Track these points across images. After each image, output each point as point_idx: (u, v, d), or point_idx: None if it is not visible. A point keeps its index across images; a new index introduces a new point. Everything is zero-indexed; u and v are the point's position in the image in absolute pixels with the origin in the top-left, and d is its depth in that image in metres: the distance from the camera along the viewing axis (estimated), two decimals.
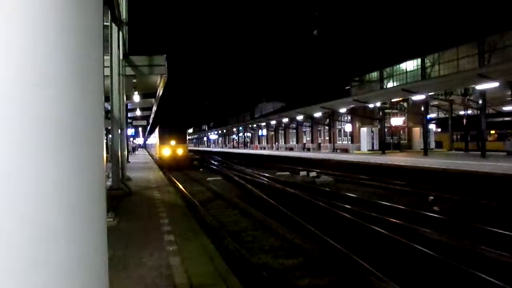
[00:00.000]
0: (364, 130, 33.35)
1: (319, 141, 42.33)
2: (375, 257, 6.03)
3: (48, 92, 0.78)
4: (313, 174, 19.03)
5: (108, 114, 12.59)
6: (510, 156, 21.21)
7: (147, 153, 51.61)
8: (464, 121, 30.16)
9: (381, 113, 30.76)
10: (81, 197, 0.85)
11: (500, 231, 7.06)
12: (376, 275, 5.04)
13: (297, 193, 12.81)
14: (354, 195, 12.27)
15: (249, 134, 67.51)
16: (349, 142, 36.19)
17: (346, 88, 46.13)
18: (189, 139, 36.55)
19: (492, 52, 29.54)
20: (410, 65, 38.07)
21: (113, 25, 10.88)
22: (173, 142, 27.71)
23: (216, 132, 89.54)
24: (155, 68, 13.51)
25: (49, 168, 0.78)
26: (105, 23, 10.37)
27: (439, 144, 33.42)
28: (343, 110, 34.35)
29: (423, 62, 36.21)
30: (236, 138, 73.05)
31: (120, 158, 11.28)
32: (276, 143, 54.18)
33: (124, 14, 12.97)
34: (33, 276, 0.76)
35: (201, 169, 26.56)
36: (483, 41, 30.30)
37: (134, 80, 14.40)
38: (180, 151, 27.83)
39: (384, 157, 23.61)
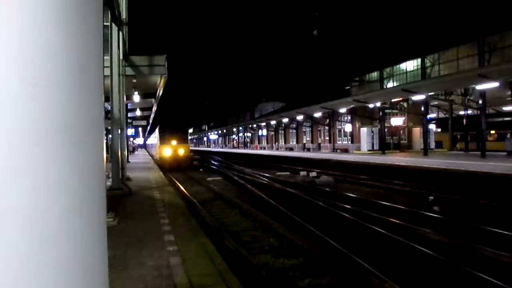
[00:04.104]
0: (364, 130, 33.34)
1: (319, 141, 42.32)
2: (375, 257, 6.03)
3: (48, 92, 0.78)
4: (313, 174, 19.05)
5: (108, 114, 12.58)
6: (510, 156, 21.20)
7: (147, 153, 51.59)
8: (464, 121, 30.16)
9: (381, 113, 30.76)
10: (81, 197, 0.85)
11: (500, 231, 7.06)
12: (376, 275, 5.04)
13: (297, 193, 12.81)
14: (354, 195, 12.27)
15: (249, 134, 67.50)
16: (349, 142, 36.18)
17: (346, 88, 46.16)
18: (189, 139, 36.31)
19: (492, 52, 29.55)
20: (410, 65, 38.08)
21: (113, 25, 10.88)
22: (174, 142, 27.06)
23: (216, 132, 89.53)
24: (155, 68, 13.50)
25: (49, 168, 0.78)
26: (105, 23, 10.36)
27: (439, 144, 33.44)
28: (343, 110, 34.35)
29: (423, 62, 36.22)
30: (236, 138, 73.05)
31: (120, 158, 11.27)
32: (276, 143, 54.17)
33: (124, 14, 12.97)
34: (33, 276, 0.76)
35: (201, 169, 26.53)
36: (483, 41, 30.31)
37: (134, 80, 14.40)
38: (181, 151, 27.21)
39: (384, 157, 23.60)
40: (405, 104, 33.28)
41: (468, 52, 31.66)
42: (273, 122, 50.62)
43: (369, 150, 32.26)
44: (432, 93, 26.25)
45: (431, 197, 11.46)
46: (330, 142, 39.19)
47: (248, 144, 66.51)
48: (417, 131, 33.73)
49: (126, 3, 13.57)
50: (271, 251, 6.65)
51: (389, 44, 47.25)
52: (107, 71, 10.59)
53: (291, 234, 7.45)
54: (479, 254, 5.99)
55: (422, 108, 26.75)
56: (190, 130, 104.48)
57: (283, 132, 51.92)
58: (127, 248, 5.10)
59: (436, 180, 14.26)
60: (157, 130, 31.40)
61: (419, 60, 36.68)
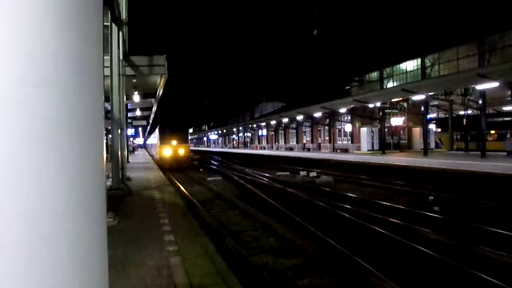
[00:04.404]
0: (364, 130, 33.35)
1: (319, 141, 42.34)
2: (375, 257, 6.03)
3: (48, 92, 0.78)
4: (313, 174, 19.04)
5: (108, 114, 12.58)
6: (510, 156, 21.20)
7: (147, 153, 51.59)
8: (464, 121, 30.17)
9: (381, 113, 30.76)
10: (81, 197, 0.85)
11: (500, 231, 7.06)
12: (376, 275, 5.04)
13: (297, 193, 12.80)
14: (354, 195, 12.27)
15: (249, 134, 67.52)
16: (349, 142, 36.19)
17: (346, 88, 46.17)
18: (189, 139, 36.22)
19: (492, 52, 29.56)
20: (410, 65, 38.09)
21: (113, 25, 10.87)
22: (174, 142, 26.84)
23: (216, 132, 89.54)
24: (155, 68, 13.50)
25: (49, 168, 0.78)
26: (105, 23, 10.36)
27: (439, 144, 33.48)
28: (343, 110, 34.36)
29: (423, 62, 36.23)
30: (236, 138, 73.06)
31: (120, 158, 11.27)
32: (276, 143, 54.19)
33: (124, 14, 12.96)
34: (33, 276, 0.76)
35: (201, 169, 26.49)
36: (483, 41, 30.32)
37: (134, 80, 14.39)
38: (182, 151, 26.99)
39: (384, 157, 23.60)
40: (405, 104, 33.30)
41: (468, 52, 31.66)
42: (273, 122, 50.63)
43: (369, 150, 32.26)
44: (432, 93, 26.26)
45: (431, 197, 11.45)
46: (330, 142, 39.19)
47: (248, 144, 66.52)
48: (417, 131, 33.73)
49: (126, 3, 13.56)
50: (271, 251, 6.65)
51: (389, 44, 47.24)
52: (107, 71, 10.58)
53: (291, 234, 7.45)
54: (479, 254, 5.99)
55: (422, 108, 26.76)
56: (190, 130, 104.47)
57: (283, 132, 51.94)
58: (127, 248, 5.10)
59: (436, 180, 14.25)
60: (157, 130, 31.27)
61: (419, 60, 36.69)
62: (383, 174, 17.30)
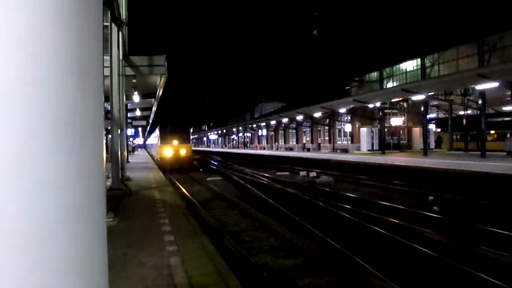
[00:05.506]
0: (364, 130, 33.34)
1: (319, 141, 42.31)
2: (375, 257, 6.03)
3: (48, 92, 0.78)
4: (313, 174, 19.06)
5: (108, 114, 12.58)
6: (510, 156, 21.20)
7: (147, 153, 51.58)
8: (464, 121, 30.18)
9: (381, 113, 30.76)
10: (81, 197, 0.85)
11: (500, 231, 7.06)
12: (376, 275, 5.04)
13: (296, 193, 12.81)
14: (354, 195, 12.27)
15: (249, 134, 67.50)
16: (349, 142, 36.18)
17: (346, 88, 46.21)
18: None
19: (492, 52, 29.58)
20: (410, 65, 38.12)
21: (113, 25, 10.88)
22: (175, 142, 26.45)
23: (216, 132, 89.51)
24: (155, 68, 13.49)
25: (49, 168, 0.78)
26: (105, 23, 10.36)
27: (438, 144, 33.49)
28: (343, 110, 34.35)
29: (423, 62, 36.26)
30: (236, 138, 73.05)
31: (120, 158, 11.27)
32: (276, 143, 54.17)
33: (124, 14, 12.96)
34: (33, 276, 0.76)
35: (201, 169, 26.44)
36: (483, 41, 30.34)
37: (134, 80, 14.38)
38: (183, 152, 26.59)
39: (384, 157, 23.60)
40: (405, 104, 33.29)
41: (468, 52, 31.69)
42: (273, 122, 50.61)
43: (369, 150, 32.25)
44: (432, 93, 26.25)
45: (431, 197, 11.45)
46: (330, 142, 39.18)
47: (248, 144, 66.51)
48: (417, 131, 33.73)
49: (126, 3, 13.56)
50: (270, 251, 6.65)
51: (389, 44, 47.33)
52: (107, 71, 10.58)
53: (291, 234, 7.45)
54: (479, 254, 5.99)
55: (422, 108, 26.76)
56: (190, 130, 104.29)
57: (283, 132, 51.91)
58: (127, 248, 5.10)
59: (436, 180, 14.26)
60: (157, 130, 31.02)
61: (419, 60, 36.73)
62: (383, 174, 17.30)
